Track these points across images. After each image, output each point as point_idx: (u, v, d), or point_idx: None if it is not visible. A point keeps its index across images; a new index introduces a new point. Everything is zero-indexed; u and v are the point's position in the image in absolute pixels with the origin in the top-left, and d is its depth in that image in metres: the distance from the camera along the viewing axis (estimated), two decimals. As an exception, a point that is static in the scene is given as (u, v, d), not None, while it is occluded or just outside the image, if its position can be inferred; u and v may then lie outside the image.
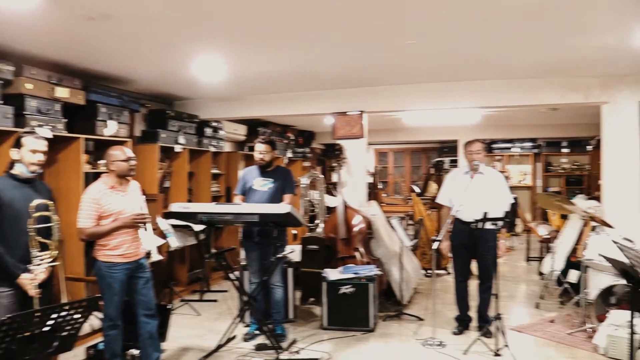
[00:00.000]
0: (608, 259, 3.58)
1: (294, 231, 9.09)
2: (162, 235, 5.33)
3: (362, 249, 5.49)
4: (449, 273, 7.14)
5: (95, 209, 3.40)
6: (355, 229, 5.55)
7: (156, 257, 4.24)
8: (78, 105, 4.85)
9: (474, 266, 4.71)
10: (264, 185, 4.53)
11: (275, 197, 4.46)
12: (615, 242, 3.41)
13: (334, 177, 7.10)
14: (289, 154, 9.35)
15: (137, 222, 3.48)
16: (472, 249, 4.54)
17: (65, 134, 4.63)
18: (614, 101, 5.59)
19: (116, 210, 3.46)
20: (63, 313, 2.26)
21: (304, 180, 6.37)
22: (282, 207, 3.78)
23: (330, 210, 6.32)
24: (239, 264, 5.12)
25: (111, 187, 3.50)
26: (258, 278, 4.51)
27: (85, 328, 3.83)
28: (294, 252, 5.30)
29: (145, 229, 3.66)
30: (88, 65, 4.77)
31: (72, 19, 3.47)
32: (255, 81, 5.72)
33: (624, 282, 3.81)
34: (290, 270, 5.13)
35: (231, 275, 4.19)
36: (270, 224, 3.97)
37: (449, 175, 4.89)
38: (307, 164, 10.40)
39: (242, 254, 4.80)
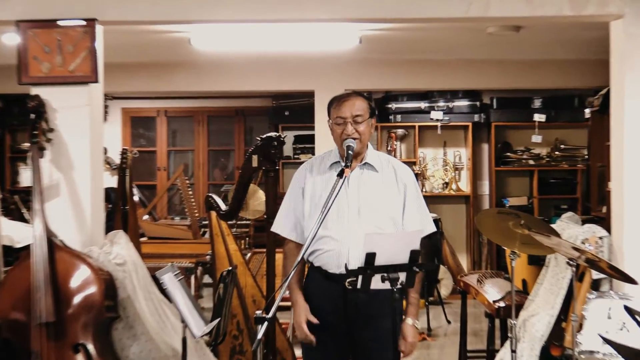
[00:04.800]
0: (619, 348, 3.90)
1: None
2: None
3: (91, 346, 5.54)
4: (295, 395, 7.37)
5: None
6: (76, 299, 5.66)
7: None
8: None
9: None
10: None
11: None
12: (633, 314, 3.69)
13: (24, 177, 7.02)
14: None
15: None
16: (346, 333, 4.72)
17: None
18: (635, 14, 6.16)
19: None
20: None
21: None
22: None
23: (15, 255, 6.33)
24: None
25: None
26: None
27: None
28: None
29: None
30: None
31: None
32: None
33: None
34: None
35: None
36: None
37: (297, 171, 5.03)
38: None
39: None
